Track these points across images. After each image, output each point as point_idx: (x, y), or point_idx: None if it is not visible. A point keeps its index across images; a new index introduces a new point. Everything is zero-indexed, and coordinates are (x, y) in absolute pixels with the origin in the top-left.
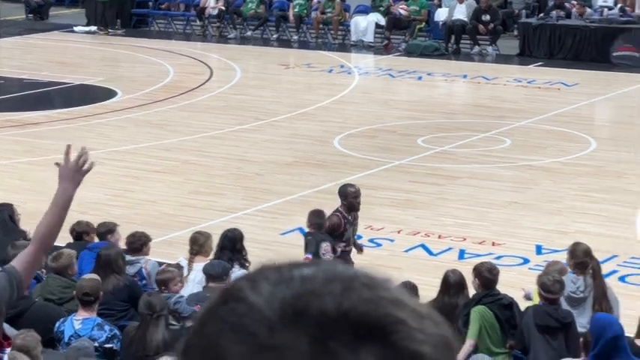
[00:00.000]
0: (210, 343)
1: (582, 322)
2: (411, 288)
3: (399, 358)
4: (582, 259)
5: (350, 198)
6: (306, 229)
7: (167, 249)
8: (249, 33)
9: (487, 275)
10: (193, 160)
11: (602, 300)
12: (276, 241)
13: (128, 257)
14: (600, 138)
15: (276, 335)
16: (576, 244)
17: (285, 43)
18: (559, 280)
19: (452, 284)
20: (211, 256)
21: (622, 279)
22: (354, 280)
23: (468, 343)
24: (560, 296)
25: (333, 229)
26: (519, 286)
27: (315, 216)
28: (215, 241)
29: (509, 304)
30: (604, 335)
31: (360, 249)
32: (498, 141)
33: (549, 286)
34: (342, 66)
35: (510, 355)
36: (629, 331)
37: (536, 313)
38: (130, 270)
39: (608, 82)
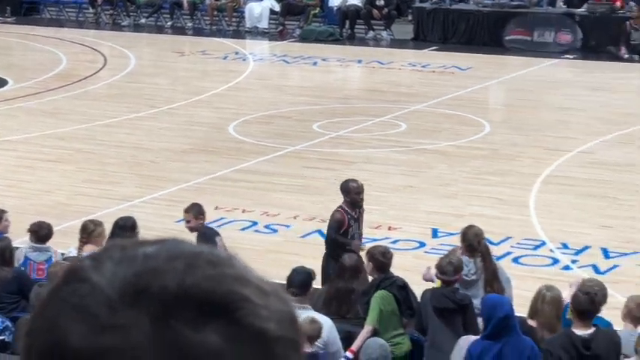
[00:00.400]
0: (51, 325)
1: (475, 303)
2: (308, 274)
3: (244, 335)
4: (472, 241)
5: (352, 194)
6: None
7: (61, 239)
8: (142, 20)
9: (380, 258)
10: (87, 149)
11: (492, 281)
12: (172, 229)
13: (37, 245)
14: (494, 121)
15: (118, 315)
16: (468, 228)
17: (179, 30)
18: (453, 262)
19: (347, 268)
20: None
21: (516, 260)
22: (197, 257)
23: (366, 329)
24: (454, 278)
25: (338, 227)
26: (416, 270)
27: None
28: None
29: (403, 286)
30: (495, 315)
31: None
32: (393, 125)
33: (443, 267)
34: (236, 52)
35: (407, 337)
36: (522, 311)
37: (434, 296)
38: (40, 257)
39: (501, 65)
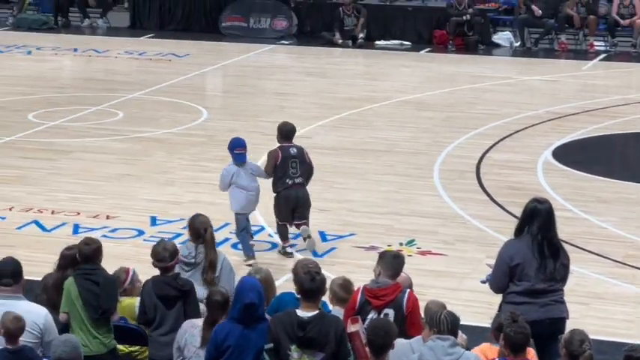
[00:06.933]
0: None
1: (197, 290)
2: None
3: None
4: (198, 229)
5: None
6: None
7: None
8: None
9: (83, 248)
10: None
11: (208, 270)
12: None
13: None
14: (212, 108)
15: None
16: (195, 216)
17: None
18: (168, 247)
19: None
20: None
21: (234, 246)
22: None
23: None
24: (172, 263)
25: None
26: (135, 258)
27: None
28: None
29: (97, 282)
30: (240, 300)
31: None
32: (110, 114)
33: (159, 253)
34: None
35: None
36: None
37: (155, 284)
38: None
39: (218, 52)
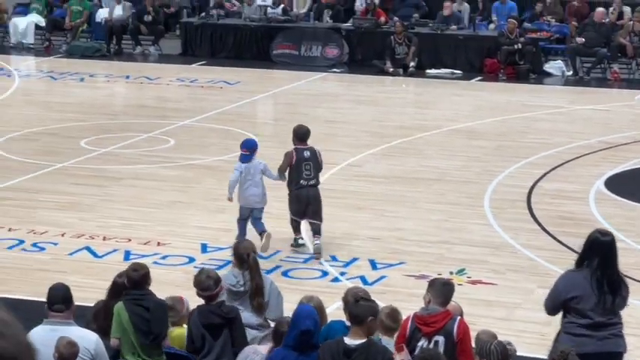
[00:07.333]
0: None
1: (245, 316)
2: (68, 289)
3: None
4: (242, 255)
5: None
6: None
7: None
8: None
9: (132, 275)
10: None
11: (256, 295)
12: None
13: None
14: (262, 135)
15: None
16: (239, 242)
17: None
18: (212, 275)
19: (119, 286)
20: None
21: (285, 274)
22: None
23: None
24: (216, 291)
25: None
26: (186, 285)
27: None
28: None
29: (148, 307)
30: (297, 327)
31: None
32: (162, 141)
33: (202, 282)
34: (1, 69)
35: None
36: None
37: (200, 313)
38: None
39: (269, 79)
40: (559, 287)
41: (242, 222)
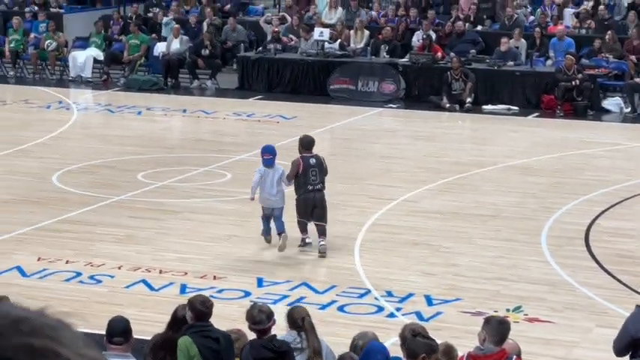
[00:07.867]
0: None
1: None
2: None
3: None
4: (296, 321)
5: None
6: None
7: None
8: None
9: (200, 308)
10: None
11: (314, 358)
12: None
13: None
14: None
15: None
16: (292, 308)
17: (1, 79)
18: (264, 310)
19: (179, 319)
20: None
21: (341, 309)
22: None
23: None
24: (269, 325)
25: None
26: (242, 319)
27: None
28: None
29: (217, 338)
30: None
31: None
32: (218, 175)
33: (255, 317)
34: (60, 102)
35: None
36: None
37: (253, 347)
38: None
39: (326, 114)
40: (628, 327)
41: (265, 219)
